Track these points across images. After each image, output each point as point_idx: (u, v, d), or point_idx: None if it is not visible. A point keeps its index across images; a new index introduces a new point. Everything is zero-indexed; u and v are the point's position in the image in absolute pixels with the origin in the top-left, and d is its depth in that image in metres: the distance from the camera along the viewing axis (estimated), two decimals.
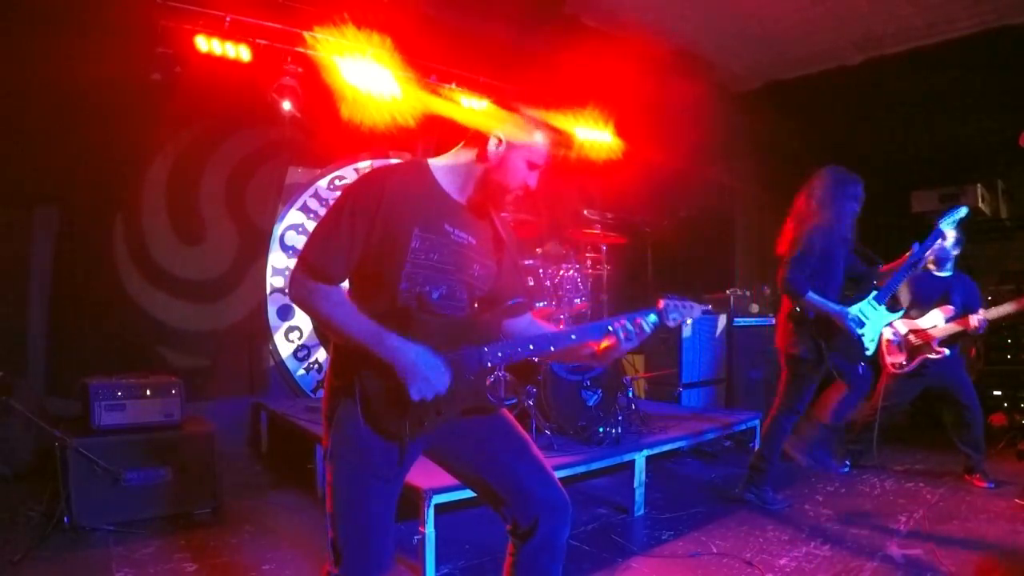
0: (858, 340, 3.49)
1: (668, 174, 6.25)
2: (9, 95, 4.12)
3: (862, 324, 3.50)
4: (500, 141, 1.75)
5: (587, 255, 4.78)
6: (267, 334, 5.46)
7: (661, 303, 1.82)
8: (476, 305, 1.84)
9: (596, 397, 4.15)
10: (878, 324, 3.57)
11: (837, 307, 3.49)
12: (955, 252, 4.21)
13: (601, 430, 3.82)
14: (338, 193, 5.72)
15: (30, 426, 3.57)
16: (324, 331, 1.77)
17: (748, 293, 6.06)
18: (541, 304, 4.44)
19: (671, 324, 1.83)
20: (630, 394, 4.42)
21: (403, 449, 1.66)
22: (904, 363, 4.25)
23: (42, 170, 4.34)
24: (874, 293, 3.59)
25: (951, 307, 4.13)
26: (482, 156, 1.76)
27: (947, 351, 4.12)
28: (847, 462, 4.52)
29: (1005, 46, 5.19)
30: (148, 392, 3.49)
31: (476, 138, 1.79)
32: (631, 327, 1.78)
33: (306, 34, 4.73)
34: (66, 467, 3.18)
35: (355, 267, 1.68)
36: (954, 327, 4.10)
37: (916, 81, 5.67)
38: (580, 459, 3.50)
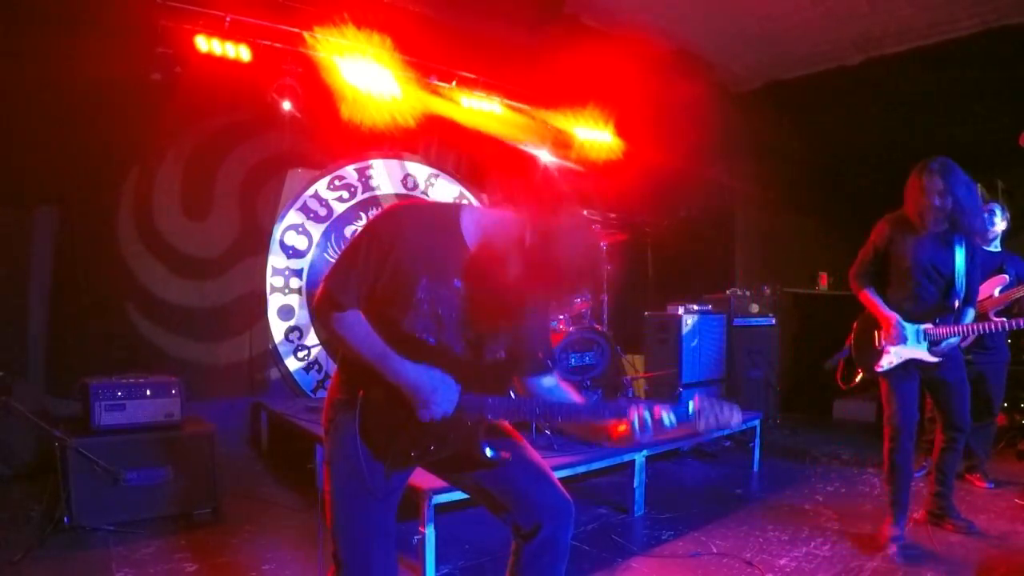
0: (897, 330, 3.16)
1: (668, 174, 6.25)
2: (9, 95, 4.12)
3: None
4: (538, 223, 1.61)
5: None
6: (267, 334, 5.46)
7: (697, 402, 1.61)
8: (484, 357, 1.76)
9: (596, 397, 4.15)
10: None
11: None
12: (1002, 227, 4.15)
13: None
14: (338, 194, 5.80)
15: (30, 426, 3.57)
16: (338, 348, 1.76)
17: (748, 293, 6.06)
18: None
19: (700, 429, 1.62)
20: (630, 394, 4.42)
21: (388, 471, 1.68)
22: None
23: (42, 170, 4.33)
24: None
25: (1005, 276, 4.06)
26: (519, 236, 1.62)
27: (1005, 322, 3.45)
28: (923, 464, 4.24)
29: (1005, 46, 5.19)
30: (148, 392, 3.48)
31: (518, 212, 1.68)
32: (649, 418, 1.62)
33: (306, 34, 4.73)
34: (66, 467, 3.18)
35: (369, 293, 1.68)
36: (1010, 295, 4.00)
37: (916, 81, 5.68)
38: (580, 459, 3.49)
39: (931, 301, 3.12)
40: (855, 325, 3.37)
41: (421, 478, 2.78)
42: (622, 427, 1.66)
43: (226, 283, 5.21)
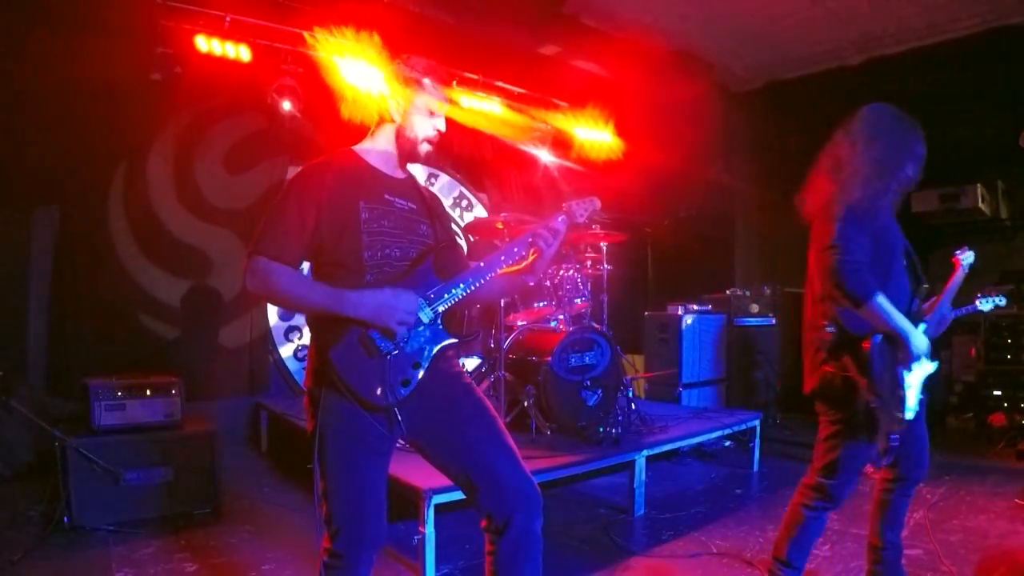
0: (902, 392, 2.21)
1: (668, 174, 6.25)
2: (9, 95, 4.12)
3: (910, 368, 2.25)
4: (397, 103, 1.88)
5: (587, 255, 4.78)
6: (267, 334, 5.46)
7: (564, 205, 1.98)
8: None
9: (596, 397, 4.15)
10: (921, 375, 2.29)
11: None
12: None
13: (601, 430, 3.81)
14: None
15: (30, 426, 3.57)
16: (285, 308, 1.91)
17: (748, 293, 6.06)
18: (541, 304, 4.44)
19: (579, 220, 1.98)
20: (630, 394, 4.41)
21: (391, 417, 1.72)
22: None
23: (42, 170, 4.34)
24: (923, 326, 2.31)
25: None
26: (390, 120, 1.90)
27: None
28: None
29: (1005, 46, 5.19)
30: (148, 392, 3.48)
31: (380, 111, 1.92)
32: (547, 232, 1.92)
33: (306, 34, 4.73)
34: (66, 467, 3.18)
35: (313, 256, 1.77)
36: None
37: (916, 81, 5.67)
38: (580, 459, 3.49)
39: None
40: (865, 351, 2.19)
41: (421, 478, 2.79)
42: (532, 254, 1.94)
43: (226, 283, 5.21)
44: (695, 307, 5.71)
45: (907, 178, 2.30)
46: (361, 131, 2.01)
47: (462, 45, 5.41)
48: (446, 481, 1.90)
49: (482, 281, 1.87)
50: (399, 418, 1.72)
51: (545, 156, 6.39)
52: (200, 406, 4.35)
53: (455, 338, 1.84)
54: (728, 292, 6.03)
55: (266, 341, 5.45)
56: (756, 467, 4.67)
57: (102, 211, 4.68)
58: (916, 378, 2.27)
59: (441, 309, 1.82)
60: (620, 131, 6.07)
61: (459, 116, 5.81)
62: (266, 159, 5.40)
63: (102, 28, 4.27)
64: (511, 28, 5.52)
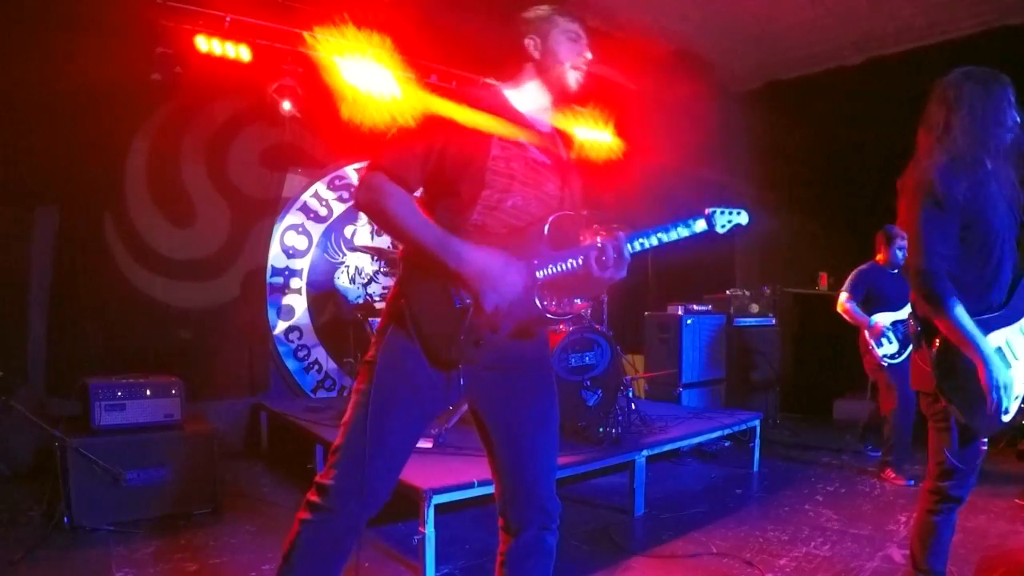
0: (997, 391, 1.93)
1: (668, 174, 6.25)
2: (9, 95, 4.11)
3: (1008, 365, 2.01)
4: (533, 40, 1.78)
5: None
6: (267, 334, 5.46)
7: (707, 211, 1.75)
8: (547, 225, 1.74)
9: (596, 397, 4.15)
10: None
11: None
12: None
13: (601, 430, 3.82)
14: (338, 194, 5.79)
15: (30, 426, 3.57)
16: (389, 233, 1.81)
17: (748, 293, 6.06)
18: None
19: (720, 231, 1.75)
20: (630, 394, 4.41)
21: (451, 380, 1.62)
22: (898, 352, 4.25)
23: (42, 170, 4.33)
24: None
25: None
26: (531, 61, 1.79)
27: None
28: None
29: (1005, 46, 5.19)
30: (148, 392, 3.48)
31: (516, 59, 1.81)
32: (680, 232, 1.73)
33: (306, 34, 4.73)
34: (66, 467, 3.18)
35: (429, 183, 1.66)
36: None
37: (916, 81, 5.67)
38: (580, 459, 3.49)
39: None
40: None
41: (421, 478, 2.79)
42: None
43: (226, 283, 5.21)
44: (695, 307, 5.72)
45: (1006, 147, 2.09)
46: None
47: (462, 44, 5.41)
48: (447, 481, 1.89)
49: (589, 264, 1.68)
50: (461, 382, 1.62)
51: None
52: (200, 406, 4.36)
53: (544, 313, 1.68)
54: (728, 292, 6.03)
55: (266, 341, 5.45)
56: (756, 467, 4.67)
57: (102, 210, 4.68)
58: (1018, 375, 1.98)
59: (541, 277, 1.66)
60: (620, 131, 6.06)
61: (459, 116, 5.82)
62: (267, 159, 5.40)
63: (102, 28, 4.26)
64: (511, 28, 5.52)
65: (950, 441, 2.09)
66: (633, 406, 4.35)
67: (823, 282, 7.31)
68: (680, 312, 5.58)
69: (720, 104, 6.60)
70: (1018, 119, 2.10)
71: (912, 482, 4.19)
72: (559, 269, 1.67)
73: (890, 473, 4.33)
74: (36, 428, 3.43)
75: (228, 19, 4.56)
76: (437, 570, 2.82)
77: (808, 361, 6.96)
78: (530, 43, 1.78)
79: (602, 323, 4.67)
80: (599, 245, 1.65)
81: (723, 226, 1.75)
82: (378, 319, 2.05)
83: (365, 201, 1.62)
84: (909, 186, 2.11)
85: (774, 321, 6.10)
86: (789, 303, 7.01)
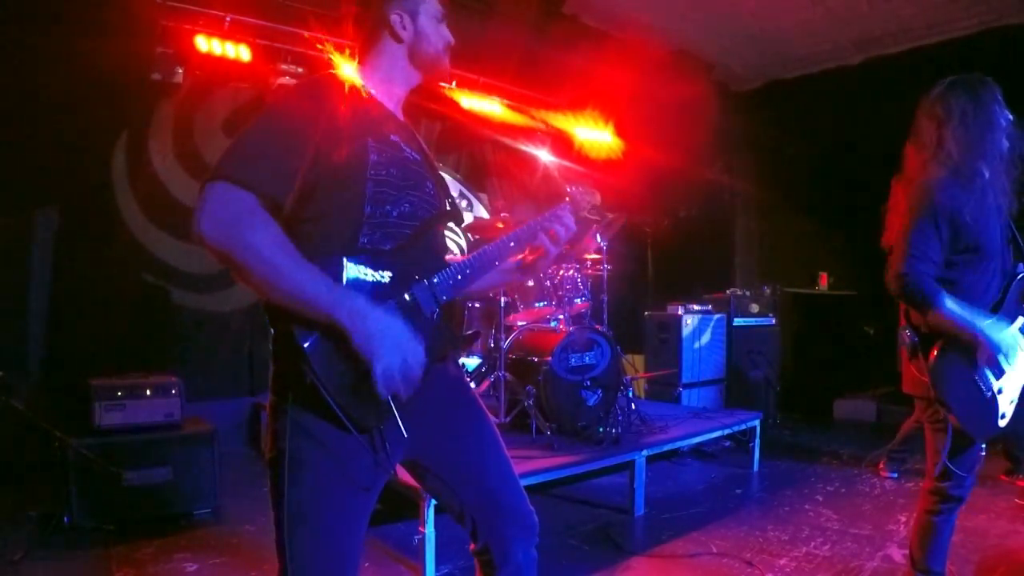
0: (988, 396, 2.02)
1: (668, 174, 6.26)
2: (9, 95, 4.11)
3: (1002, 371, 2.04)
4: (400, 16, 1.47)
5: (587, 255, 4.78)
6: (267, 334, 5.44)
7: (568, 189, 1.72)
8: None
9: (596, 397, 4.15)
10: (1019, 375, 2.07)
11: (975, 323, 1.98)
12: None
13: (601, 430, 3.82)
14: None
15: (30, 426, 3.56)
16: (248, 281, 1.23)
17: (748, 293, 6.06)
18: (541, 304, 4.43)
19: (582, 211, 1.72)
20: (630, 394, 4.42)
21: (382, 439, 1.33)
22: None
23: (42, 170, 4.33)
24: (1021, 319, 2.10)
25: None
26: (396, 40, 1.49)
27: None
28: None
29: (1005, 46, 5.19)
30: (148, 392, 3.48)
31: (375, 32, 1.49)
32: (556, 225, 1.60)
33: (306, 34, 4.73)
34: (66, 467, 3.17)
35: (292, 202, 1.26)
36: None
37: (916, 81, 5.68)
38: (580, 459, 3.49)
39: None
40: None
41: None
42: (534, 251, 1.63)
43: (225, 283, 5.20)
44: (695, 307, 5.71)
45: (1002, 152, 2.10)
46: None
47: (461, 44, 5.40)
48: None
49: (485, 266, 1.52)
50: (385, 443, 1.33)
51: (545, 156, 6.39)
52: (200, 406, 4.35)
53: (457, 338, 1.50)
54: (728, 292, 6.03)
55: (266, 341, 5.44)
56: (756, 467, 4.67)
57: (102, 210, 4.67)
58: (1012, 381, 2.04)
59: (445, 299, 1.43)
60: (620, 131, 6.07)
61: (459, 116, 5.82)
62: None
63: (102, 28, 4.26)
64: (511, 28, 5.52)
65: (945, 443, 2.10)
66: (633, 406, 4.35)
67: (823, 282, 7.32)
68: (680, 312, 5.58)
69: (720, 104, 6.60)
70: (1011, 117, 2.14)
71: (895, 475, 4.30)
72: (467, 281, 1.48)
73: (882, 464, 4.42)
74: (36, 428, 3.42)
75: (228, 19, 4.56)
76: (437, 570, 2.82)
77: (808, 361, 6.95)
78: (396, 20, 1.47)
79: (602, 323, 4.67)
80: (529, 226, 1.59)
81: (583, 206, 1.73)
82: None
83: (212, 231, 1.15)
84: (903, 205, 2.13)
85: (774, 321, 6.10)
86: (789, 303, 7.00)
